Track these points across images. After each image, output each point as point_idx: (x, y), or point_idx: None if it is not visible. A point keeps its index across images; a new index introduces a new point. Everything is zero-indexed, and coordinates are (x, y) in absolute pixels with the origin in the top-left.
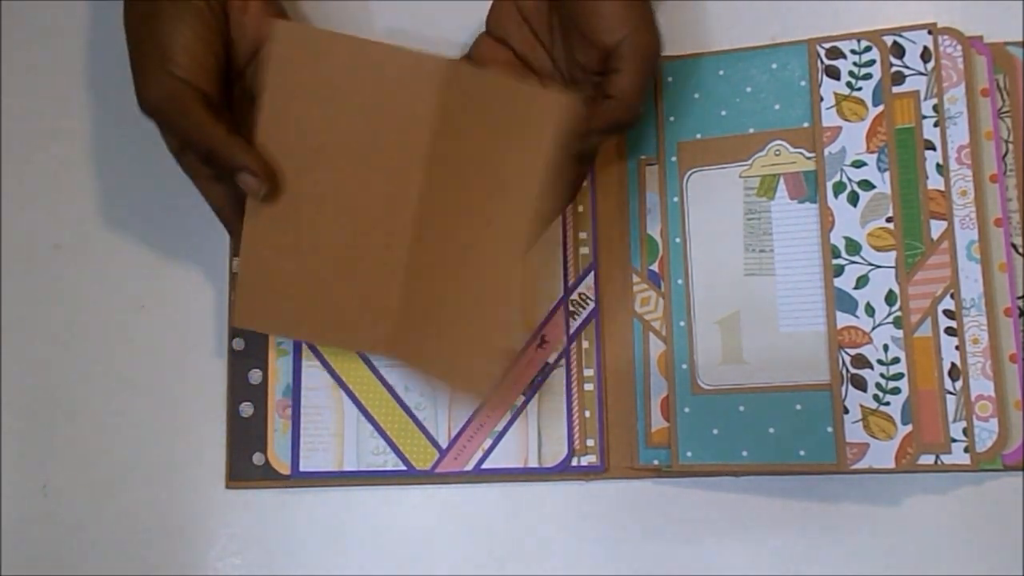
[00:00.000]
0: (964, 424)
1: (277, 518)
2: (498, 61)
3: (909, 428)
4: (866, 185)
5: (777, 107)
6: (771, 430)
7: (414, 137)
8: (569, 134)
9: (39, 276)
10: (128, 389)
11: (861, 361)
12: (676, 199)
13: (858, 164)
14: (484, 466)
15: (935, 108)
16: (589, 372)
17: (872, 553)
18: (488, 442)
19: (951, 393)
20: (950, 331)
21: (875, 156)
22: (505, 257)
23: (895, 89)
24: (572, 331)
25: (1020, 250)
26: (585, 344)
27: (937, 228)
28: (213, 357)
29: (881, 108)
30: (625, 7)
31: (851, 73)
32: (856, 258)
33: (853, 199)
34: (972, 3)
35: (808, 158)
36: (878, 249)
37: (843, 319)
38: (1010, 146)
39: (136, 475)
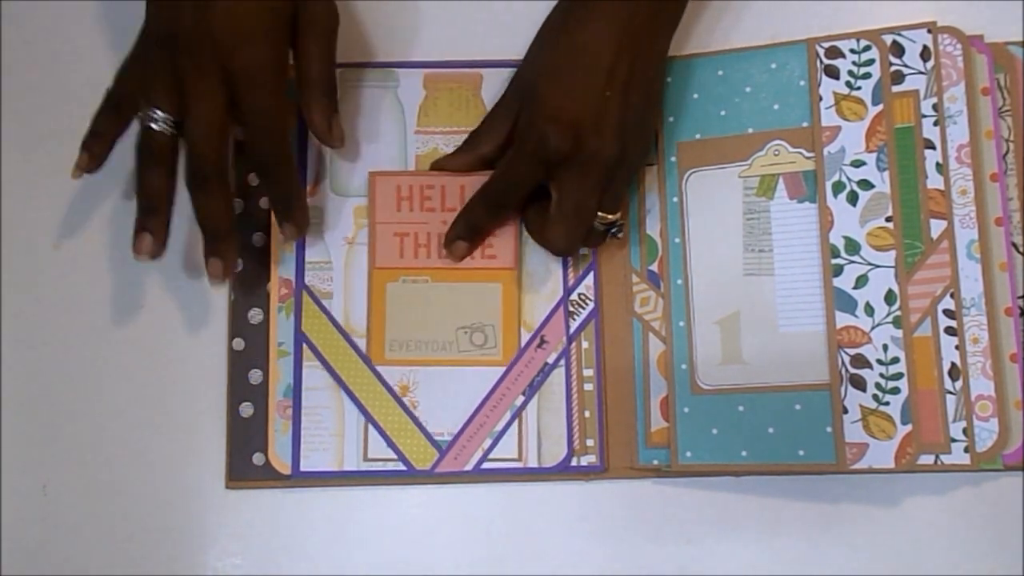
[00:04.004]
0: (964, 424)
1: (277, 518)
2: None
3: (909, 428)
4: (865, 184)
5: (776, 107)
6: (771, 430)
7: None
8: None
9: (39, 276)
10: (128, 389)
11: (860, 361)
12: (675, 199)
13: (857, 163)
14: (484, 466)
15: (935, 107)
16: (589, 372)
17: (872, 553)
18: (488, 442)
19: (951, 393)
20: (950, 331)
21: (874, 155)
22: None
23: (895, 88)
24: (572, 331)
25: (1020, 249)
26: (585, 344)
27: (937, 227)
28: (213, 357)
29: (880, 107)
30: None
31: (850, 72)
32: (855, 258)
33: (852, 199)
34: (972, 2)
35: (807, 158)
36: (877, 249)
37: (842, 319)
38: (1011, 145)
39: (136, 475)
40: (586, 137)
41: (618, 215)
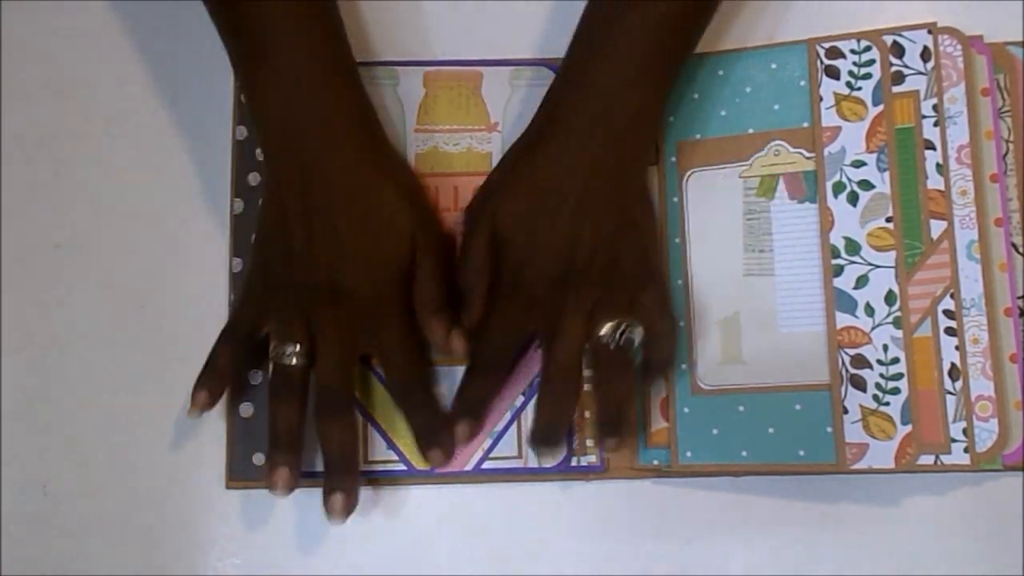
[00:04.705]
0: (964, 424)
1: (277, 518)
2: None
3: (909, 428)
4: (866, 185)
5: (777, 107)
6: (771, 430)
7: None
8: None
9: (39, 276)
10: (128, 389)
11: (861, 361)
12: (676, 199)
13: (858, 164)
14: (484, 466)
15: (935, 108)
16: (589, 373)
17: (872, 553)
18: (488, 442)
19: (951, 393)
20: (950, 331)
21: (875, 156)
22: None
23: (895, 89)
24: None
25: (1020, 250)
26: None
27: (937, 228)
28: None
29: (881, 108)
30: None
31: (851, 73)
32: (856, 258)
33: (853, 199)
34: (972, 3)
35: (808, 158)
36: (878, 249)
37: (843, 319)
38: (1010, 145)
39: (136, 475)
40: (566, 276)
41: (615, 322)
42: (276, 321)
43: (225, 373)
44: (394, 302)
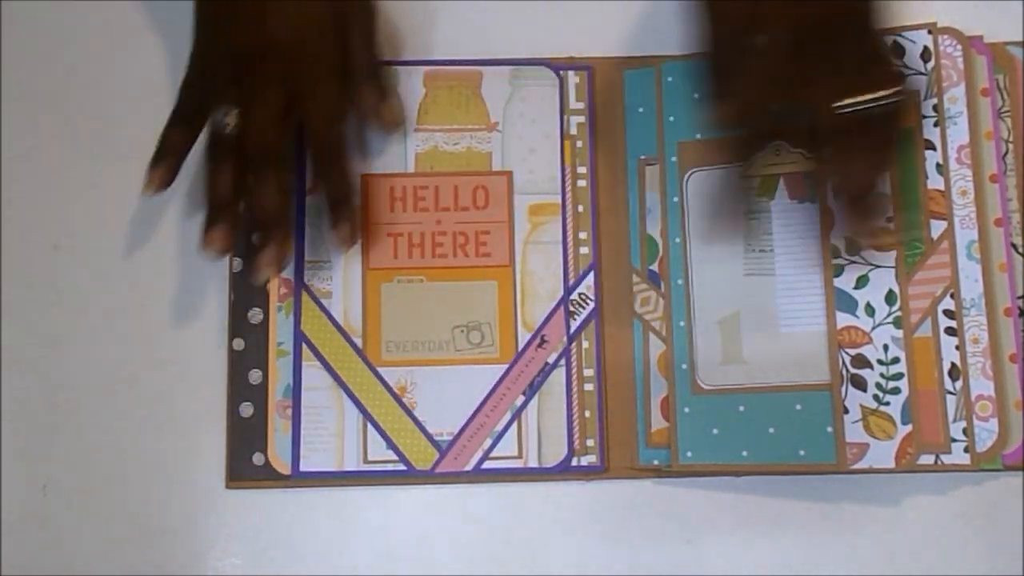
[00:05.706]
0: (964, 424)
1: (277, 518)
2: None
3: (909, 428)
4: None
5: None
6: (771, 430)
7: None
8: None
9: (39, 276)
10: (128, 389)
11: (861, 361)
12: (676, 199)
13: None
14: (484, 466)
15: (935, 108)
16: (589, 372)
17: (872, 553)
18: (488, 442)
19: (951, 393)
20: (950, 331)
21: None
22: None
23: None
24: (572, 331)
25: (1020, 250)
26: (585, 344)
27: (937, 228)
28: (213, 357)
29: None
30: None
31: None
32: (856, 258)
33: None
34: (972, 3)
35: (808, 158)
36: (878, 249)
37: (843, 319)
38: (1010, 146)
39: (136, 475)
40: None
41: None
42: (213, 91)
43: (178, 151)
44: (322, 69)
